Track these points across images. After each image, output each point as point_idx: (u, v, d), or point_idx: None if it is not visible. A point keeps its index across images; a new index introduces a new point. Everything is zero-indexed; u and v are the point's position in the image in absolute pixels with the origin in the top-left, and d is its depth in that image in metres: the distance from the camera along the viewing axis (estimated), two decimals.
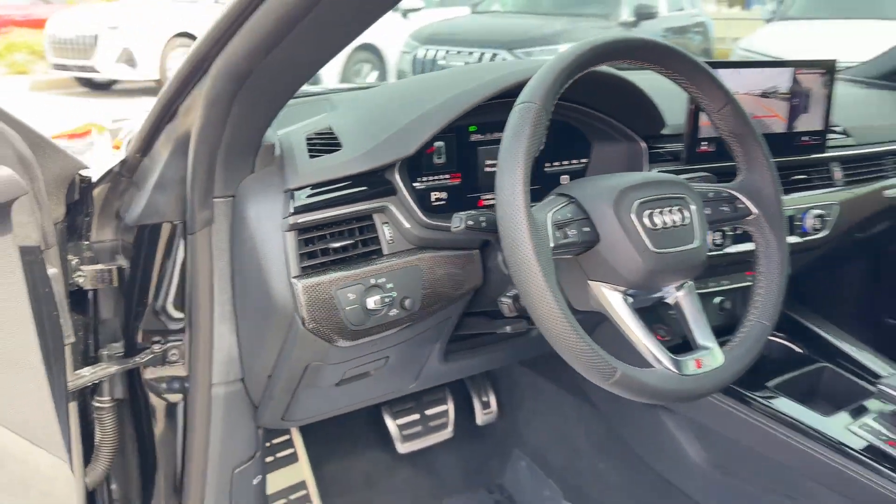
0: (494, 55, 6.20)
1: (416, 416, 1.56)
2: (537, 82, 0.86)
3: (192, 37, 7.97)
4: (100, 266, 1.06)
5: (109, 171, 1.05)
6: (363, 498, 1.55)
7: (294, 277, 0.92)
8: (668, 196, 0.93)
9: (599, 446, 1.50)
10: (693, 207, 0.94)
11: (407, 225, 1.00)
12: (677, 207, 0.93)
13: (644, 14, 7.29)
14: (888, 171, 1.51)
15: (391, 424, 1.54)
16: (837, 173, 1.40)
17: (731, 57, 6.22)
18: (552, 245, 0.84)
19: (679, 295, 0.96)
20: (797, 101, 1.31)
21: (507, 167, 0.82)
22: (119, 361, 1.06)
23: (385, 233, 0.99)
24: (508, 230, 0.80)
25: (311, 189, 0.95)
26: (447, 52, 6.50)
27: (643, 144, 1.19)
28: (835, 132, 1.41)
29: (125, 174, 1.06)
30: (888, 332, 1.87)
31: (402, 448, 1.54)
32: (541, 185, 1.16)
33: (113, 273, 1.07)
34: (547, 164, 1.18)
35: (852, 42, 5.26)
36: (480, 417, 1.64)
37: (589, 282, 0.91)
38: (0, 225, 0.79)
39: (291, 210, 0.93)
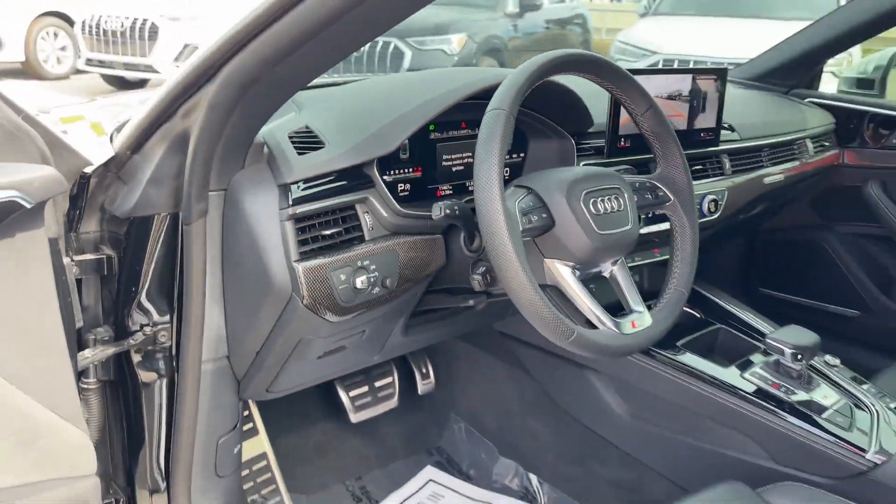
0: (386, 43, 6.30)
1: (366, 388, 1.70)
2: (506, 90, 1.02)
3: (62, 16, 7.58)
4: (92, 255, 1.13)
5: (99, 167, 1.12)
6: (317, 466, 1.67)
7: (295, 261, 1.04)
8: (608, 187, 1.11)
9: (531, 407, 1.70)
10: (626, 196, 1.13)
11: (384, 213, 1.14)
12: (614, 196, 1.12)
13: (528, 5, 7.58)
14: (765, 162, 1.78)
15: (344, 396, 1.67)
16: (727, 164, 1.65)
17: (611, 49, 6.63)
18: (521, 229, 1.01)
19: (614, 269, 1.15)
20: (696, 102, 1.54)
21: (484, 165, 0.97)
22: (113, 344, 1.14)
23: (366, 221, 1.13)
24: (487, 218, 0.96)
25: (304, 183, 1.07)
26: None
27: (572, 141, 1.38)
28: (724, 128, 1.65)
29: (112, 170, 1.13)
30: (763, 299, 2.18)
31: (355, 418, 1.67)
32: None
33: (103, 262, 1.15)
34: None
35: (718, 38, 5.76)
36: (421, 387, 1.79)
37: (545, 259, 1.09)
38: (37, 219, 0.87)
39: (290, 202, 1.05)
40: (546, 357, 1.58)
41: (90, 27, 6.96)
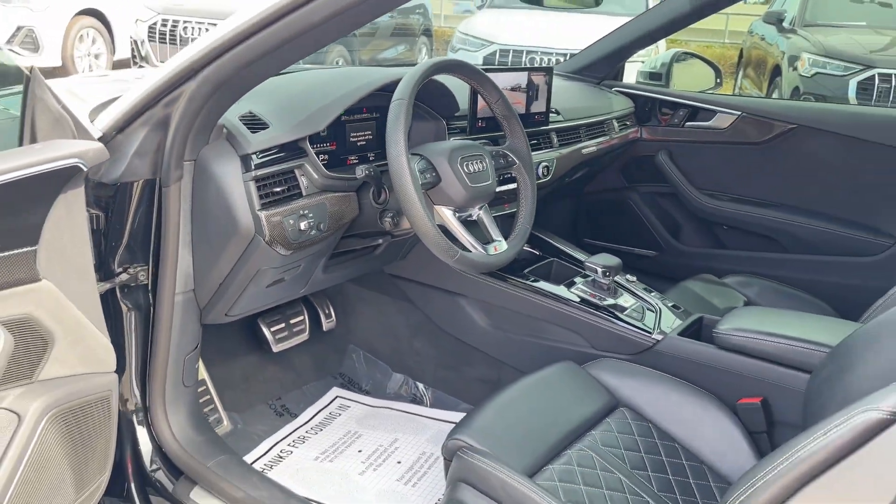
0: None
1: (283, 325, 2.08)
2: (405, 84, 1.46)
3: None
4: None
5: None
6: (244, 390, 2.04)
7: (258, 210, 1.43)
8: (475, 154, 1.59)
9: (416, 331, 2.15)
10: (487, 160, 1.61)
11: (315, 176, 1.54)
12: (479, 160, 1.59)
13: None
14: (583, 137, 2.33)
15: (266, 332, 2.04)
16: (554, 139, 2.19)
17: (452, 38, 7.19)
18: (420, 184, 1.46)
19: (481, 213, 1.63)
20: (531, 92, 2.05)
21: (394, 139, 1.41)
22: (107, 281, 1.47)
23: (303, 182, 1.53)
24: (399, 176, 1.40)
25: (259, 154, 1.46)
26: (187, 22, 6.60)
27: (443, 122, 1.84)
28: (552, 112, 2.18)
29: None
30: (588, 247, 2.77)
31: (276, 348, 2.05)
32: (382, 150, 1.76)
33: (92, 219, 1.46)
34: None
35: (546, 30, 6.45)
36: (325, 325, 2.20)
37: (434, 206, 1.55)
38: (82, 180, 1.21)
39: (253, 167, 1.43)
40: (427, 290, 2.05)
41: None
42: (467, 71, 1.61)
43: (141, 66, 6.73)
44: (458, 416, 2.01)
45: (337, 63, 7.56)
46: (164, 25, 6.67)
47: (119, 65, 7.71)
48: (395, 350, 2.20)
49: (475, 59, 6.37)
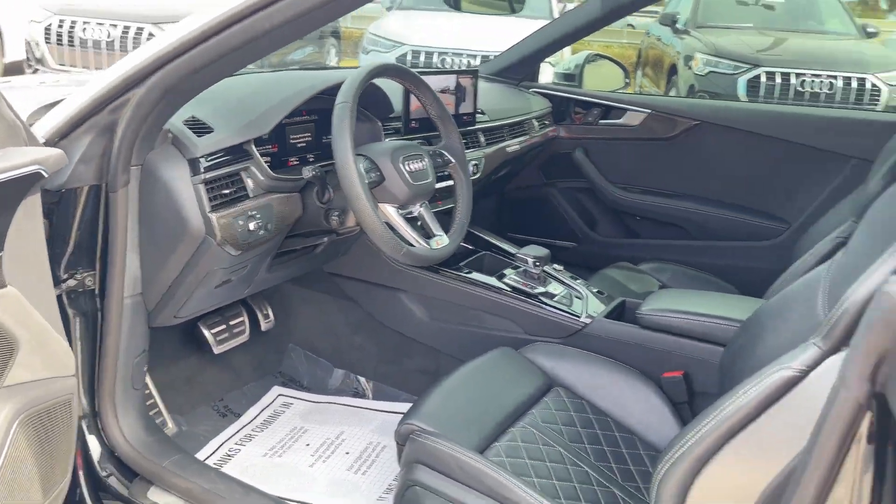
0: (140, 28, 6.31)
1: (224, 326, 2.10)
2: (348, 87, 1.53)
3: None
4: None
5: None
6: (187, 393, 2.05)
7: (209, 212, 1.47)
8: (415, 153, 1.67)
9: (356, 327, 2.22)
10: (426, 159, 1.70)
11: (261, 177, 1.59)
12: (419, 160, 1.68)
13: None
14: (506, 136, 2.46)
15: (207, 333, 2.05)
16: (482, 138, 2.30)
17: (363, 39, 7.24)
18: (367, 182, 1.54)
19: (422, 210, 1.72)
20: (459, 94, 2.15)
21: (340, 140, 1.48)
22: (55, 287, 1.47)
23: (249, 183, 1.57)
24: (347, 175, 1.47)
25: (207, 157, 1.49)
26: (86, 22, 6.37)
27: (379, 123, 1.92)
28: (478, 113, 2.29)
29: None
30: (511, 241, 2.91)
31: (217, 350, 2.07)
32: (321, 151, 1.82)
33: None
34: (325, 137, 1.84)
35: (455, 32, 6.58)
36: (263, 325, 2.23)
37: (379, 204, 1.62)
38: (38, 186, 1.22)
39: (202, 170, 1.47)
40: (366, 286, 2.12)
41: None
42: (404, 74, 1.70)
43: (37, 69, 6.45)
44: (400, 407, 2.10)
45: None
46: (61, 26, 6.41)
47: (10, 67, 7.35)
48: (335, 347, 2.26)
49: (387, 60, 6.44)
